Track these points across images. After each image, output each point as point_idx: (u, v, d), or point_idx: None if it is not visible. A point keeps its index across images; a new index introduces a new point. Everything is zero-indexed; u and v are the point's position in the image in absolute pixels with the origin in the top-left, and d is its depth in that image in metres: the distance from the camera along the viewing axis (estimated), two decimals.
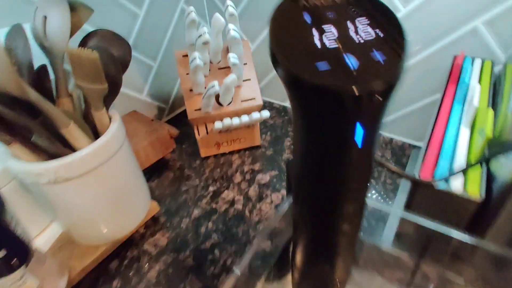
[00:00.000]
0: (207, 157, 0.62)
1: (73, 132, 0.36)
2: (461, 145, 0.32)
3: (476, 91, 0.34)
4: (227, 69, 0.56)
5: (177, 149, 0.64)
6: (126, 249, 0.47)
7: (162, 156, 0.59)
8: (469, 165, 0.26)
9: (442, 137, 0.34)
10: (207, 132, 0.59)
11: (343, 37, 0.18)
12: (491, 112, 0.31)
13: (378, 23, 0.19)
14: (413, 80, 0.58)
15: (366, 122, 0.18)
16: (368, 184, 0.24)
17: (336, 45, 0.18)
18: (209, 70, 0.54)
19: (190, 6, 0.45)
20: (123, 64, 0.41)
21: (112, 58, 0.37)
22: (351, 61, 0.18)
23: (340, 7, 0.19)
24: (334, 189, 0.23)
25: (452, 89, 0.41)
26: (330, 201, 0.24)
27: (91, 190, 0.39)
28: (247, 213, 0.52)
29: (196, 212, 0.52)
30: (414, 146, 0.63)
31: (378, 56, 0.18)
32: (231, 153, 0.64)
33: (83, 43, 0.40)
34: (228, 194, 0.55)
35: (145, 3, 0.60)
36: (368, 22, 0.19)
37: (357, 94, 0.17)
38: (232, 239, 0.48)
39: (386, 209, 0.30)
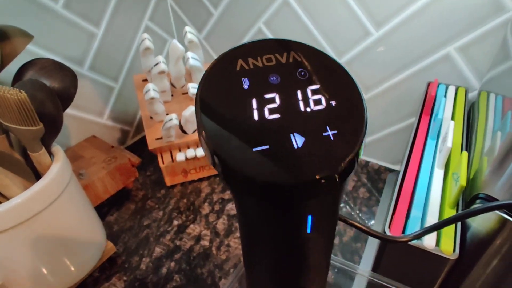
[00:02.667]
0: (174, 186, 0.58)
1: None
2: (435, 191, 0.30)
3: (450, 129, 0.32)
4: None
5: (140, 177, 0.60)
6: None
7: (122, 186, 0.55)
8: (441, 224, 0.23)
9: (415, 182, 0.31)
10: (172, 160, 0.55)
11: (287, 107, 0.15)
12: (465, 155, 0.29)
13: (331, 88, 0.16)
14: (388, 103, 0.56)
15: (314, 210, 0.15)
16: (328, 260, 0.21)
17: (278, 118, 0.15)
18: (172, 95, 0.50)
19: (144, 33, 0.42)
20: (66, 97, 0.36)
21: (50, 94, 0.33)
22: (296, 139, 0.14)
23: (285, 68, 0.16)
24: (291, 271, 0.19)
25: (425, 121, 0.39)
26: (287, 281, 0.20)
27: (27, 241, 0.34)
28: (214, 250, 0.48)
29: (157, 250, 0.48)
30: (390, 170, 0.61)
31: (328, 131, 0.15)
32: (201, 179, 0.60)
33: (19, 74, 0.35)
34: (194, 229, 0.51)
35: (103, 21, 0.56)
36: (319, 87, 0.16)
37: (295, 184, 0.13)
38: (196, 281, 0.44)
39: (352, 269, 0.27)
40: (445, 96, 0.44)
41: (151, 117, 0.49)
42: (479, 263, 0.27)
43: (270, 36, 0.59)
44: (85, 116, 0.59)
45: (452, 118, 0.39)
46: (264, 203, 0.14)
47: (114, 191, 0.54)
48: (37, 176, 0.36)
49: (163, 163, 0.55)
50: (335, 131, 0.14)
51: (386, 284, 0.27)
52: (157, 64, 0.39)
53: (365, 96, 0.57)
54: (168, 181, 0.57)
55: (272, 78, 0.15)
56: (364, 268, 0.29)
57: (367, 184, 0.58)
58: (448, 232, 0.26)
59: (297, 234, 0.16)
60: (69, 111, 0.56)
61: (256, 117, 0.14)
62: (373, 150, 0.62)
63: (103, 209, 0.54)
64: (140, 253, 0.47)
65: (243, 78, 0.15)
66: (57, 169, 0.35)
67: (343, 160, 0.14)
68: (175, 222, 0.52)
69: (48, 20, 0.49)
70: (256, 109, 0.15)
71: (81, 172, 0.50)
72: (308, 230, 0.15)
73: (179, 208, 0.54)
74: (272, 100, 0.15)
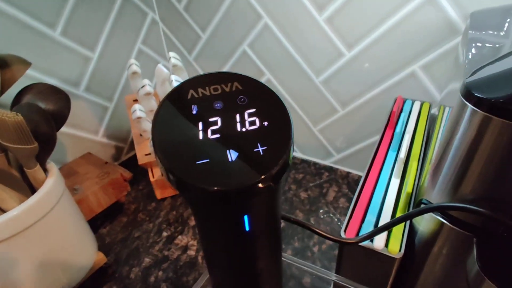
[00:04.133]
0: (164, 199, 0.61)
1: None
2: (389, 199, 0.33)
3: (404, 142, 0.35)
4: None
5: (133, 191, 0.63)
6: None
7: (115, 200, 0.58)
8: (385, 226, 0.26)
9: (373, 189, 0.34)
10: (162, 174, 0.58)
11: (227, 128, 0.19)
12: (414, 165, 0.32)
13: (265, 111, 0.19)
14: (364, 117, 0.59)
15: (249, 211, 0.18)
16: (278, 257, 0.24)
17: (218, 137, 0.18)
18: None
19: (131, 59, 0.46)
20: (60, 117, 0.40)
21: (45, 115, 0.37)
22: (231, 154, 0.18)
23: (228, 95, 0.20)
24: (241, 268, 0.22)
25: (389, 135, 0.43)
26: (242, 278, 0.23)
27: (23, 251, 0.37)
28: (199, 259, 0.50)
29: (146, 261, 0.50)
30: None
31: (259, 146, 0.18)
32: None
33: (18, 99, 0.39)
34: (181, 240, 0.54)
35: (98, 46, 0.60)
36: (254, 111, 0.19)
37: (225, 190, 0.17)
38: None
39: (319, 274, 0.30)
40: (410, 111, 0.47)
41: (140, 135, 0.53)
42: (427, 263, 0.30)
43: (254, 57, 0.64)
44: (81, 134, 0.63)
45: (415, 131, 0.43)
46: (206, 205, 0.18)
47: (107, 205, 0.57)
48: (33, 191, 0.40)
49: (153, 177, 0.58)
50: (265, 147, 0.18)
51: (348, 286, 0.30)
52: (143, 86, 0.43)
53: (343, 110, 0.60)
54: (159, 195, 0.60)
55: (216, 105, 0.19)
56: (329, 272, 0.32)
57: (347, 193, 0.61)
58: (396, 234, 0.29)
59: (239, 233, 0.19)
60: (65, 129, 0.60)
61: (201, 137, 0.18)
62: (353, 161, 0.65)
63: (96, 222, 0.57)
64: (130, 263, 0.50)
65: (192, 105, 0.19)
66: (51, 184, 0.38)
67: (269, 170, 0.17)
68: (164, 234, 0.55)
69: (47, 45, 0.53)
70: (202, 130, 0.18)
71: (76, 188, 0.54)
72: (247, 228, 0.19)
73: (168, 220, 0.57)
74: (215, 123, 0.18)
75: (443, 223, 0.27)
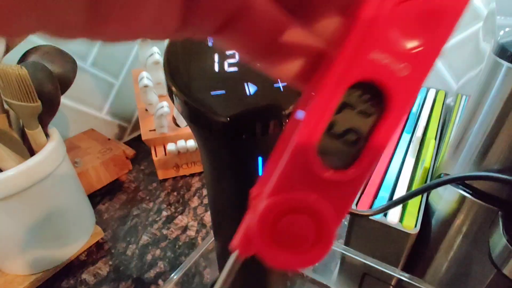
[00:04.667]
0: (165, 179, 0.60)
1: None
2: (404, 176, 0.32)
3: (420, 122, 0.34)
4: None
5: (134, 170, 0.62)
6: (62, 279, 0.43)
7: (116, 177, 0.57)
8: (404, 197, 0.25)
9: (387, 167, 0.33)
10: (165, 154, 0.57)
11: (246, 63, 0.17)
12: (432, 142, 0.31)
13: None
14: None
15: (263, 153, 0.17)
16: None
17: (236, 71, 0.17)
18: None
19: None
20: (65, 81, 0.39)
21: (49, 75, 0.35)
22: (249, 87, 0.16)
23: None
24: None
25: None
26: None
27: (17, 214, 0.36)
28: (199, 240, 0.49)
29: (144, 238, 0.49)
30: None
31: (279, 82, 0.17)
32: (192, 175, 0.61)
33: (23, 58, 0.38)
34: (182, 220, 0.52)
35: None
36: None
37: (241, 122, 0.15)
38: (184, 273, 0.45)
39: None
40: (425, 97, 0.46)
41: (146, 110, 0.52)
42: (444, 242, 0.28)
43: None
44: (85, 109, 0.61)
45: (430, 116, 0.41)
46: (219, 141, 0.16)
47: (107, 182, 0.56)
48: (33, 155, 0.38)
49: (156, 156, 0.56)
50: (285, 84, 0.16)
51: (357, 258, 0.28)
52: (152, 55, 0.42)
53: None
54: (160, 175, 0.59)
55: None
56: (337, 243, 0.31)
57: None
58: (412, 211, 0.28)
59: (251, 179, 0.17)
60: (70, 103, 0.59)
61: (216, 68, 0.17)
62: None
63: (95, 198, 0.55)
64: (128, 240, 0.49)
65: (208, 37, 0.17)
66: (51, 148, 0.37)
67: (289, 106, 0.16)
68: (164, 213, 0.53)
69: None
70: (217, 62, 0.17)
71: (76, 160, 0.52)
72: (260, 173, 0.17)
73: (169, 201, 0.56)
74: (233, 56, 0.17)
75: (464, 198, 0.25)
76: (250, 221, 0.12)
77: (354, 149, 0.11)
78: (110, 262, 0.45)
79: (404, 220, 0.27)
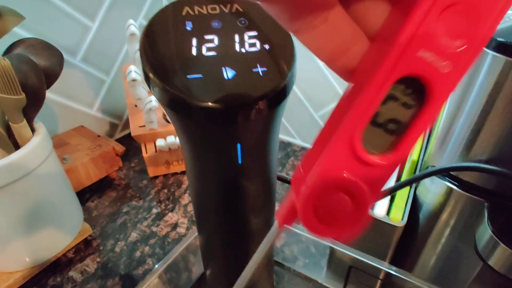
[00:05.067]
0: (156, 177, 0.59)
1: None
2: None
3: None
4: None
5: (125, 168, 0.61)
6: (48, 276, 0.42)
7: (105, 174, 0.56)
8: (391, 189, 0.25)
9: None
10: (155, 150, 0.56)
11: (224, 47, 0.17)
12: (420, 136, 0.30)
13: (267, 35, 0.17)
14: None
15: (242, 139, 0.16)
16: (271, 201, 0.22)
17: (214, 55, 0.16)
18: None
19: (130, 20, 0.44)
20: (51, 75, 0.38)
21: (34, 67, 0.35)
22: (227, 71, 0.16)
23: (228, 16, 0.18)
24: (233, 211, 0.20)
25: None
26: (233, 225, 0.22)
27: (1, 208, 0.35)
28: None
29: (133, 235, 0.48)
30: None
31: (259, 67, 0.16)
32: (183, 172, 0.61)
33: (8, 51, 0.37)
34: (172, 217, 0.52)
35: (98, 16, 0.59)
36: (256, 34, 0.17)
37: (219, 108, 0.15)
38: (168, 265, 0.44)
39: (314, 238, 0.28)
40: None
41: (135, 105, 0.51)
42: (432, 235, 0.28)
43: None
44: (75, 106, 0.61)
45: None
46: (196, 126, 0.16)
47: (96, 178, 0.55)
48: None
49: (146, 152, 0.56)
50: (265, 69, 0.16)
51: (344, 251, 0.28)
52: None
53: None
54: (151, 172, 0.58)
55: (214, 23, 0.17)
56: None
57: None
58: (399, 203, 0.27)
59: (230, 165, 0.17)
60: (59, 99, 0.58)
61: (194, 52, 0.16)
62: None
63: (85, 195, 0.54)
64: (116, 237, 0.48)
65: (186, 21, 0.17)
66: (37, 142, 0.36)
67: (268, 91, 0.15)
68: (154, 210, 0.53)
69: (45, 9, 0.52)
70: (195, 46, 0.16)
71: (65, 157, 0.52)
72: (239, 160, 0.17)
73: (159, 198, 0.55)
74: (211, 41, 0.17)
75: (451, 190, 0.25)
76: (295, 196, 0.14)
77: (393, 137, 0.12)
78: (98, 259, 0.45)
79: (391, 213, 0.27)
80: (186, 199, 0.55)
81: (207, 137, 0.16)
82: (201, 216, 0.23)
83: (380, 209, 0.27)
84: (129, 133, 0.71)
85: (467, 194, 0.24)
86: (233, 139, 0.16)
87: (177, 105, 0.15)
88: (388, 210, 0.27)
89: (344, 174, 0.12)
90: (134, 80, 0.42)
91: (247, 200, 0.20)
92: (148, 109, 0.43)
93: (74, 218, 0.44)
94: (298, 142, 0.70)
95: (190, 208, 0.53)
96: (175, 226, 0.50)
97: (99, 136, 0.58)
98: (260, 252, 0.15)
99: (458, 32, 0.11)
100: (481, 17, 0.11)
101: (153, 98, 0.42)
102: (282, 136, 0.71)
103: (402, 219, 0.26)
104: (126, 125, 0.71)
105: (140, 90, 0.44)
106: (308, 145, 0.68)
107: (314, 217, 0.13)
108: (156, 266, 0.30)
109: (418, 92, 0.12)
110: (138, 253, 0.46)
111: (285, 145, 0.68)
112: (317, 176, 0.13)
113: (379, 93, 0.11)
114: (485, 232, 0.21)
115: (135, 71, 0.42)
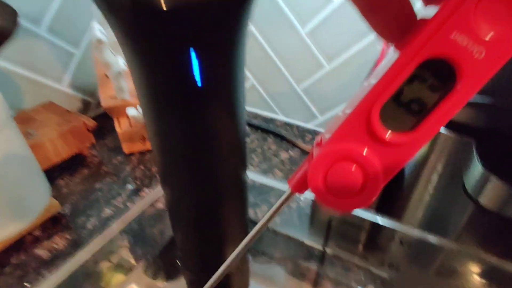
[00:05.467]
0: (132, 154, 0.56)
1: None
2: None
3: None
4: None
5: (98, 144, 0.58)
6: (12, 255, 0.39)
7: (76, 151, 0.53)
8: None
9: None
10: (130, 125, 0.53)
11: None
12: None
13: None
14: (349, 75, 0.56)
15: (198, 48, 0.14)
16: (240, 147, 0.20)
17: None
18: None
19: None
20: (4, 34, 0.35)
21: None
22: None
23: None
24: (195, 153, 0.18)
25: None
26: (198, 178, 0.19)
27: None
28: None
29: (107, 211, 0.45)
30: None
31: None
32: None
33: None
34: (148, 193, 0.49)
35: None
36: None
37: (168, 9, 0.12)
38: (144, 241, 0.42)
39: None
40: None
41: (106, 75, 0.48)
42: (419, 182, 0.26)
43: None
44: (42, 80, 0.57)
45: None
46: (144, 37, 0.13)
47: (66, 155, 0.52)
48: None
49: (120, 128, 0.53)
50: None
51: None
52: None
53: (329, 66, 0.57)
54: (126, 148, 0.55)
55: None
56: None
57: None
58: None
59: (190, 87, 0.15)
60: (24, 72, 0.54)
61: None
62: None
63: (54, 173, 0.51)
64: (88, 214, 0.45)
65: None
66: None
67: None
68: (129, 187, 0.50)
69: None
70: None
71: (30, 131, 0.48)
72: (199, 83, 0.14)
73: (134, 174, 0.52)
74: None
75: (438, 133, 0.23)
76: (308, 163, 0.14)
77: (414, 118, 0.12)
78: (68, 236, 0.42)
79: None
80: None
81: (158, 48, 0.14)
82: (164, 169, 0.20)
83: None
84: (104, 113, 0.68)
85: (455, 135, 0.22)
86: (186, 44, 0.13)
87: (124, 13, 0.13)
88: None
89: (356, 145, 0.12)
90: (99, 41, 0.39)
91: (213, 143, 0.18)
92: (116, 73, 0.40)
93: (39, 192, 0.41)
94: (280, 117, 0.67)
95: None
96: (152, 202, 0.47)
97: (68, 111, 0.54)
98: (266, 218, 0.15)
99: (497, 20, 0.10)
100: None
101: (120, 60, 0.39)
102: (264, 112, 0.69)
103: None
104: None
105: (108, 54, 0.41)
106: (291, 121, 0.66)
107: (323, 184, 0.13)
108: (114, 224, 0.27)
109: (448, 77, 0.11)
110: (111, 229, 0.43)
111: (268, 120, 0.66)
112: (330, 144, 0.13)
113: (404, 69, 0.11)
114: (474, 171, 0.20)
115: (100, 30, 0.38)
